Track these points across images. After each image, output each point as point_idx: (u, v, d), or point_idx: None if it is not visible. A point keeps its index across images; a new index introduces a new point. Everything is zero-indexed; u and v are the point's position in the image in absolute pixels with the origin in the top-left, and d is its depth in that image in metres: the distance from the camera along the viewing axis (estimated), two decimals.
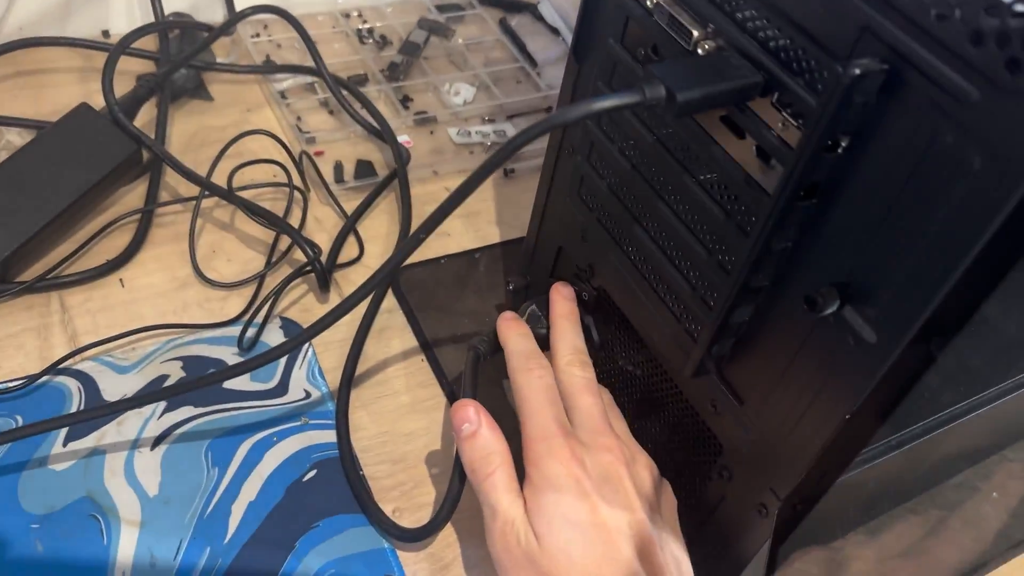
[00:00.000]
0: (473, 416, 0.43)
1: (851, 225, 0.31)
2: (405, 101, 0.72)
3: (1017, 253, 0.27)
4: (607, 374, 0.50)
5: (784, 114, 0.32)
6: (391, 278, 0.53)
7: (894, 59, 0.27)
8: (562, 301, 0.48)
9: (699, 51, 0.34)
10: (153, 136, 0.63)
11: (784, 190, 0.31)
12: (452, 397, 0.54)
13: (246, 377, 0.52)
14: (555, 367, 0.45)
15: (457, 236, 0.64)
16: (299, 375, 0.53)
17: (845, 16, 0.28)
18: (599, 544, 0.38)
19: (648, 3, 0.36)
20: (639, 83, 0.31)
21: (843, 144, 0.30)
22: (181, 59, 0.65)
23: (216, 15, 0.76)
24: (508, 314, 0.48)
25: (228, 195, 0.58)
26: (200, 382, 0.46)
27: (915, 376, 0.31)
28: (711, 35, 0.34)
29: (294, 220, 0.61)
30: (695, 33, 0.34)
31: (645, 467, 0.43)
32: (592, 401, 0.44)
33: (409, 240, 0.38)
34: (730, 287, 0.35)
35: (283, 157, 0.63)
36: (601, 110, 0.31)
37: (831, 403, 0.34)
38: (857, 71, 0.27)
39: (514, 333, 0.46)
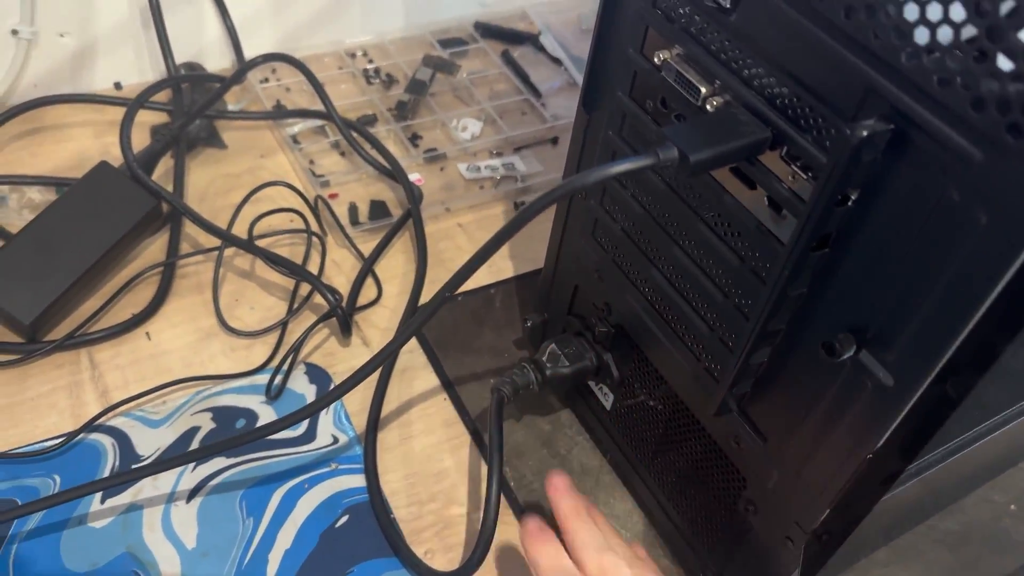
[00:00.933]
0: None
1: (865, 274, 0.32)
2: (414, 139, 0.73)
3: None
4: (628, 408, 0.51)
5: (793, 167, 0.33)
6: (415, 333, 0.53)
7: (899, 119, 0.28)
8: (561, 498, 0.45)
9: (708, 107, 0.35)
10: (171, 188, 0.65)
11: (798, 242, 0.32)
12: (476, 435, 0.55)
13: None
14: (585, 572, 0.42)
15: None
16: (326, 420, 0.54)
17: (850, 77, 0.29)
18: None
19: (656, 59, 0.37)
20: (652, 146, 0.32)
21: (853, 197, 0.31)
22: (195, 111, 0.66)
23: (225, 61, 0.78)
24: (532, 525, 0.44)
25: (249, 246, 0.59)
26: (234, 441, 0.47)
27: (937, 418, 0.32)
28: (719, 90, 0.35)
29: (313, 265, 0.63)
30: (703, 89, 0.35)
31: None
32: None
33: (434, 299, 0.39)
34: (749, 331, 0.36)
35: (299, 203, 0.64)
36: (618, 174, 0.32)
37: (852, 443, 0.35)
38: (864, 133, 0.28)
39: (543, 551, 0.43)
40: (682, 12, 0.36)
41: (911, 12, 0.27)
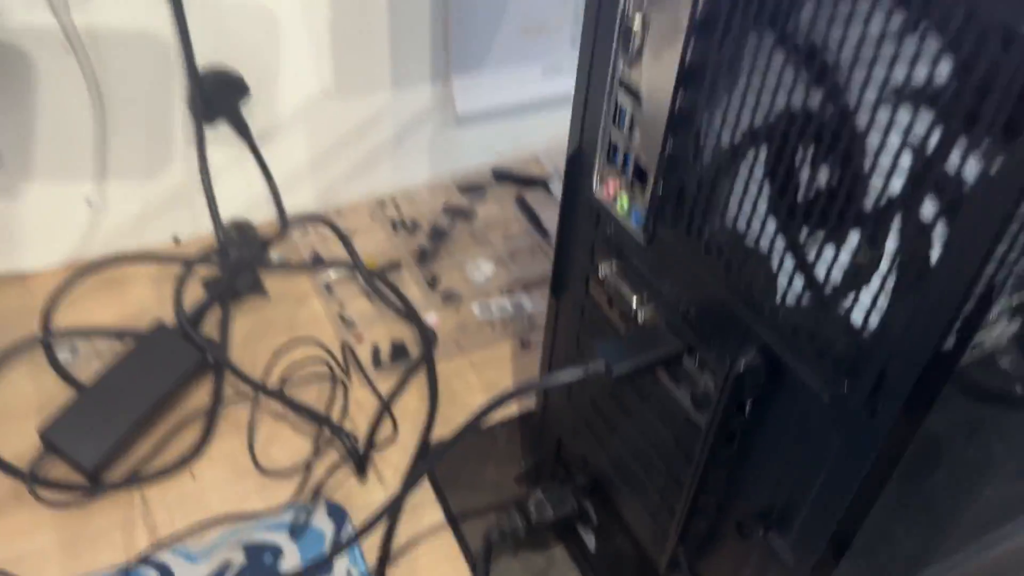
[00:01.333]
0: None
1: (764, 467, 0.38)
2: (433, 281, 0.82)
3: (874, 498, 0.33)
4: (608, 551, 0.56)
5: (706, 372, 0.39)
6: (412, 488, 0.60)
7: (770, 355, 0.34)
8: None
9: (639, 315, 0.42)
10: (218, 337, 0.74)
11: (707, 438, 0.38)
12: (476, 570, 0.61)
13: (298, 560, 0.60)
14: None
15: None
16: (342, 557, 0.61)
17: (733, 315, 0.36)
18: None
19: (600, 271, 0.44)
20: (584, 360, 0.39)
21: (748, 405, 0.37)
22: (241, 266, 0.76)
23: (268, 213, 0.87)
24: None
25: (280, 397, 0.67)
26: None
27: None
28: (646, 301, 0.42)
29: (338, 407, 0.70)
30: (633, 302, 0.42)
31: None
32: None
33: (435, 453, 0.46)
34: (682, 503, 0.42)
35: (327, 356, 0.73)
36: (556, 384, 0.39)
37: None
38: (742, 365, 0.34)
39: None
40: (616, 238, 0.43)
41: (769, 277, 0.33)
